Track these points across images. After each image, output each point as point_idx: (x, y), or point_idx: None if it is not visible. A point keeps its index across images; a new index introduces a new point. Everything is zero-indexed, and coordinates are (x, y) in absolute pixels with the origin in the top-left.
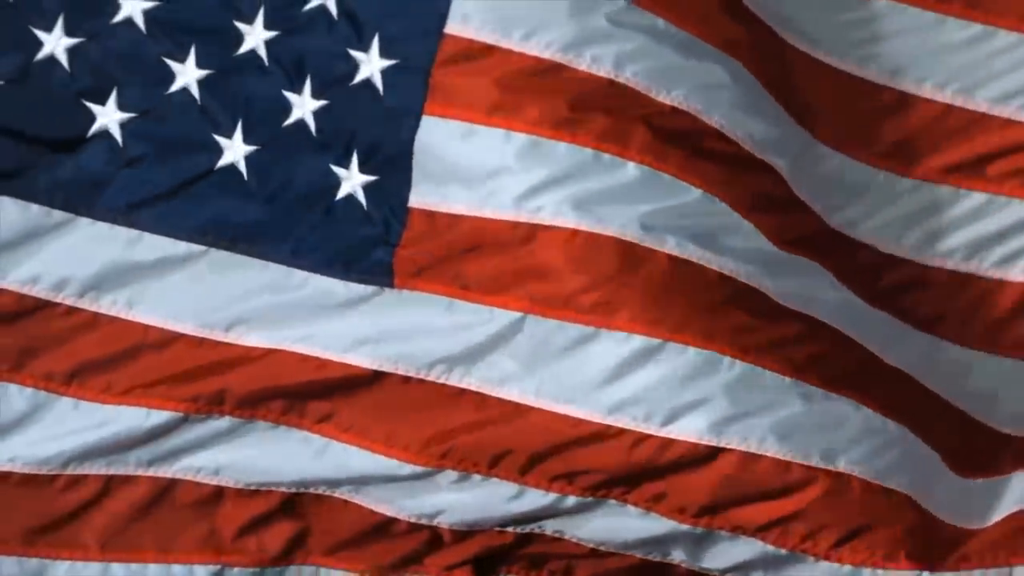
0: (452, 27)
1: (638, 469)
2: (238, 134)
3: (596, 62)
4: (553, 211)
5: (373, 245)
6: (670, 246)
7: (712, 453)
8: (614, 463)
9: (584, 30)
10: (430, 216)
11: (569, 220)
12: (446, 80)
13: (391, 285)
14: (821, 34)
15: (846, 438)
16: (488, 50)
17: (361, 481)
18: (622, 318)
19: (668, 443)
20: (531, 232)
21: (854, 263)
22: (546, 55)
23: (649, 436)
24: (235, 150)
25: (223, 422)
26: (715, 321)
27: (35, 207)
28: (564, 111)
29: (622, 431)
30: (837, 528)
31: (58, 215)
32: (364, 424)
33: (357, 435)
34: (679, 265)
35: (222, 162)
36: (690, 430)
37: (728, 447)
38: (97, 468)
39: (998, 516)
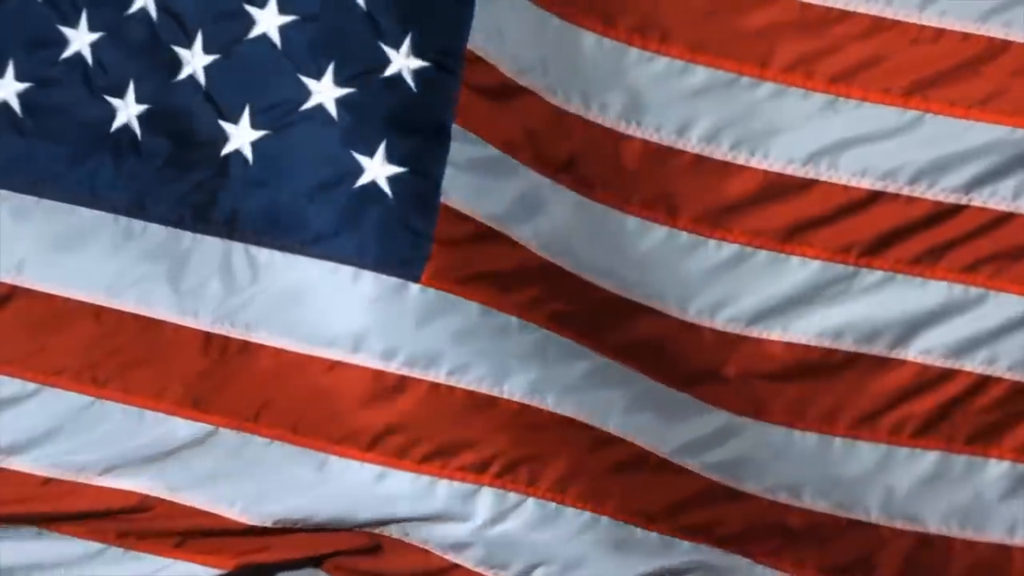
0: (474, 44)
1: None
2: (245, 119)
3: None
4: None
5: (399, 235)
6: None
7: None
8: None
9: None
10: (461, 218)
11: None
12: (471, 94)
13: (417, 280)
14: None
15: None
16: (506, 82)
17: None
18: None
19: None
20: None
21: None
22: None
23: None
24: (242, 136)
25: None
26: None
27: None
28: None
29: None
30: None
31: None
32: None
33: None
34: None
35: (227, 149)
36: None
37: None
38: None
39: None
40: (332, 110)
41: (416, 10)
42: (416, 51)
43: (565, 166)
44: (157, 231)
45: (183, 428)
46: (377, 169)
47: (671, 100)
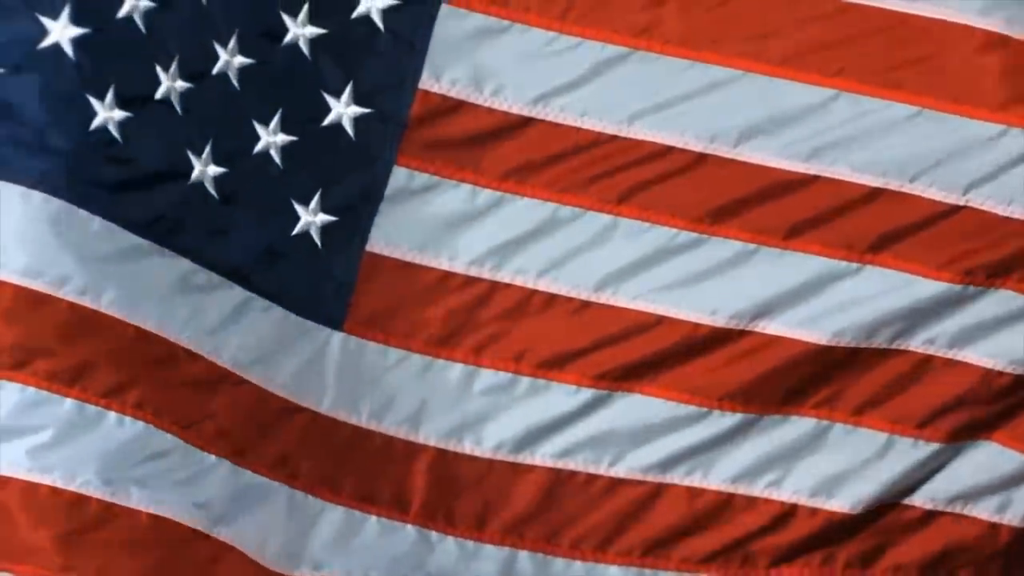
0: (426, 82)
1: None
2: (207, 154)
3: (564, 112)
4: (513, 270)
5: (323, 284)
6: None
7: None
8: None
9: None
10: (386, 263)
11: (528, 280)
12: (418, 134)
13: (340, 328)
14: None
15: None
16: (459, 106)
17: None
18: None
19: None
20: (490, 289)
21: None
22: (514, 110)
23: None
24: (204, 169)
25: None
26: None
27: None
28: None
29: None
30: None
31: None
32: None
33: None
34: None
35: (193, 178)
36: None
37: None
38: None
39: None
40: (276, 157)
41: (360, 57)
42: (357, 99)
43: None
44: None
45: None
46: (310, 218)
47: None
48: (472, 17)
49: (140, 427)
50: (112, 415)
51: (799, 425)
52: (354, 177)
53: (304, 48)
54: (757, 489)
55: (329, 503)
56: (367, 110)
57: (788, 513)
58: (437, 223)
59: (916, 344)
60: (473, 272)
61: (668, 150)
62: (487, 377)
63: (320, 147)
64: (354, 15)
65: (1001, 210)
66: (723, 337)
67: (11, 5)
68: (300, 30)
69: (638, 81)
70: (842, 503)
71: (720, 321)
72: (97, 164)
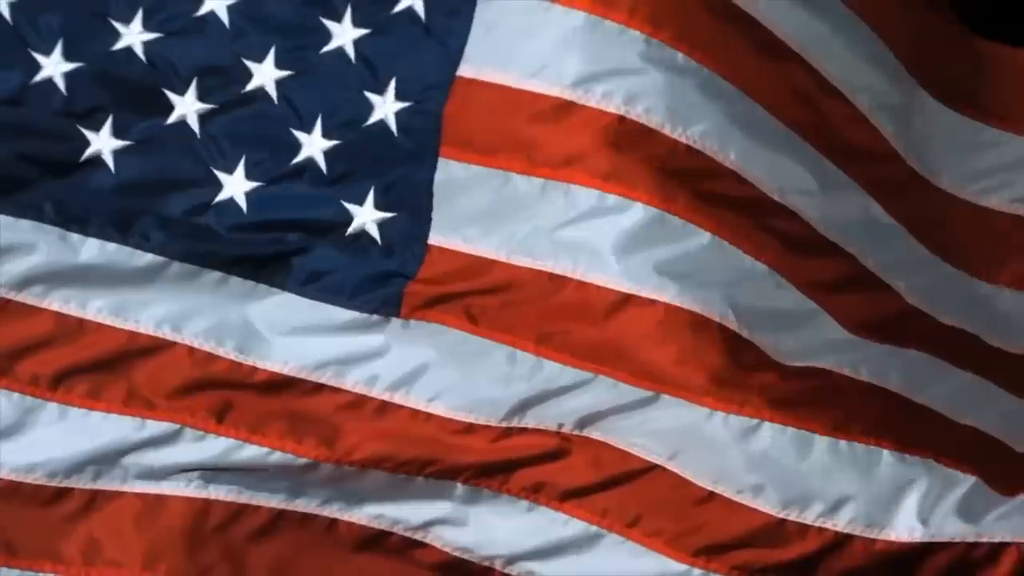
0: (464, 70)
1: None
2: (240, 170)
3: (606, 98)
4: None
5: (387, 278)
6: (671, 295)
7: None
8: None
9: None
10: (450, 255)
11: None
12: (457, 122)
13: (397, 315)
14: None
15: None
16: (498, 90)
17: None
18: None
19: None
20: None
21: (886, 308)
22: (554, 92)
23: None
24: (236, 185)
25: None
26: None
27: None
28: (572, 150)
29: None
30: None
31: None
32: None
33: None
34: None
35: (221, 196)
36: None
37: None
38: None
39: None
40: (321, 163)
41: (400, 54)
42: (399, 94)
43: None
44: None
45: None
46: (367, 216)
47: None
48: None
49: None
50: None
51: None
52: (404, 171)
53: (349, 51)
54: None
55: None
56: (407, 104)
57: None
58: (484, 210)
59: None
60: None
61: None
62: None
63: (366, 146)
64: (395, 9)
65: None
66: None
67: None
68: (345, 34)
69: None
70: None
71: None
72: (115, 198)
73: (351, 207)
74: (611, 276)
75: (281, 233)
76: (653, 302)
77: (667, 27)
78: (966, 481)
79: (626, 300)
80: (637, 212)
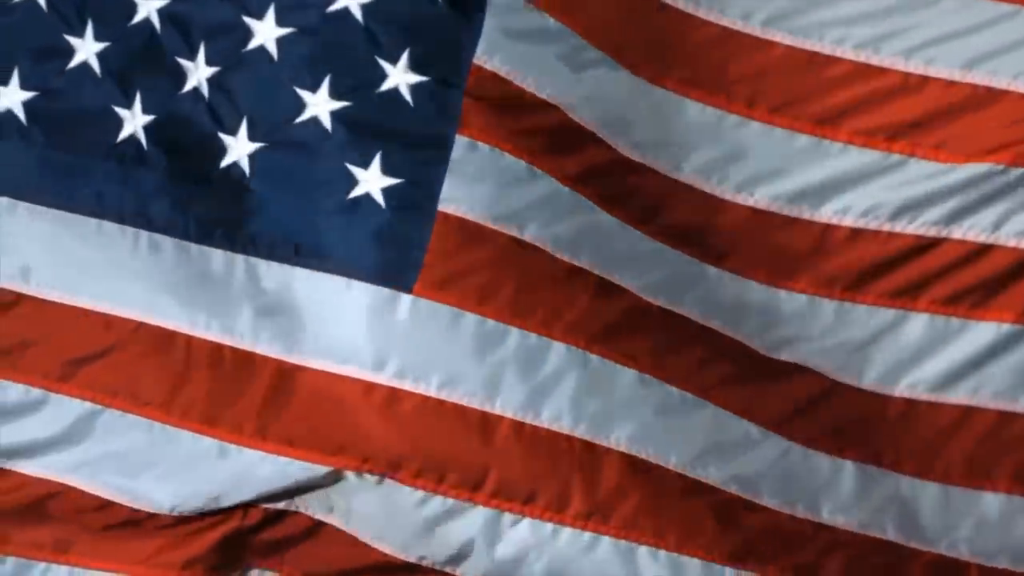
0: (481, 58)
1: None
2: (243, 132)
3: None
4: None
5: (391, 245)
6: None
7: None
8: None
9: None
10: (460, 223)
11: None
12: (476, 105)
13: (409, 291)
14: None
15: None
16: (511, 88)
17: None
18: None
19: None
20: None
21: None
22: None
23: None
24: (239, 149)
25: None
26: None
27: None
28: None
29: None
30: None
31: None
32: None
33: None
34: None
35: (226, 161)
36: None
37: None
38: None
39: None
40: (327, 122)
41: (416, 26)
42: (414, 66)
43: (583, 179)
44: (162, 242)
45: (188, 440)
46: (372, 180)
47: (668, 133)
48: None
49: None
50: None
51: None
52: (416, 141)
53: (357, 14)
54: None
55: None
56: (424, 78)
57: None
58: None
59: None
60: None
61: None
62: None
63: (377, 112)
64: None
65: None
66: None
67: None
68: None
69: None
70: None
71: None
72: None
73: (355, 170)
74: None
75: (284, 199)
76: None
77: None
78: None
79: None
80: None
